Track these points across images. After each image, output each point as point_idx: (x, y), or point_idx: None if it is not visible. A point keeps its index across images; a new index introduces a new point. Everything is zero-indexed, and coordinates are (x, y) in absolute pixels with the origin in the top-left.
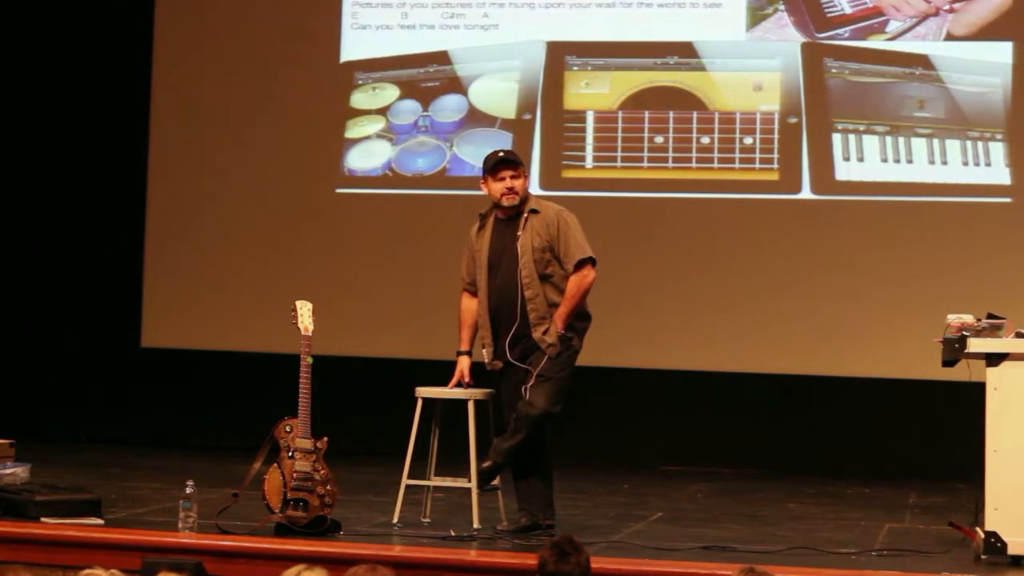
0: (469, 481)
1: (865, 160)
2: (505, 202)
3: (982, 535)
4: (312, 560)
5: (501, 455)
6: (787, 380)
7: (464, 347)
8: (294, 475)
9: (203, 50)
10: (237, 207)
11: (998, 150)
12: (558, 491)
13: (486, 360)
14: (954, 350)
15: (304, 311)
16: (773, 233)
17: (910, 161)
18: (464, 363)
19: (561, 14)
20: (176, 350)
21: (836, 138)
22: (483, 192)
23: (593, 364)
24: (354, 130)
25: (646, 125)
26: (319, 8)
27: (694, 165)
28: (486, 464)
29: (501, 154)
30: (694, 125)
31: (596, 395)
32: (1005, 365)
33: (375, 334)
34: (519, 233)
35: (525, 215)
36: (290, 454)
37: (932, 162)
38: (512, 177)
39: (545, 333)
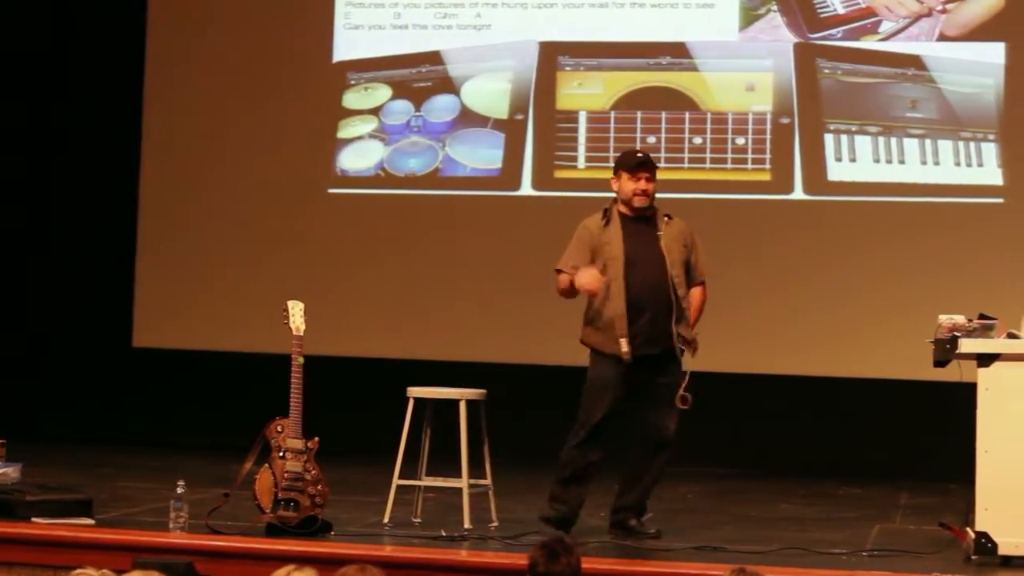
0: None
1: (857, 160)
2: (636, 203)
3: (973, 535)
4: (303, 560)
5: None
6: (779, 380)
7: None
8: (285, 475)
9: (196, 50)
10: (229, 207)
11: (990, 151)
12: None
13: (624, 351)
14: (945, 351)
15: (296, 311)
16: (765, 233)
17: (902, 162)
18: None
19: (554, 14)
20: (168, 350)
21: (828, 138)
22: (473, 192)
23: (585, 364)
24: (346, 130)
25: (638, 125)
26: (312, 8)
27: (686, 165)
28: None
29: (641, 155)
30: (686, 125)
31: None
32: (996, 366)
33: (367, 334)
34: (659, 233)
35: (664, 218)
36: (281, 454)
37: (924, 163)
38: (647, 180)
39: (684, 330)
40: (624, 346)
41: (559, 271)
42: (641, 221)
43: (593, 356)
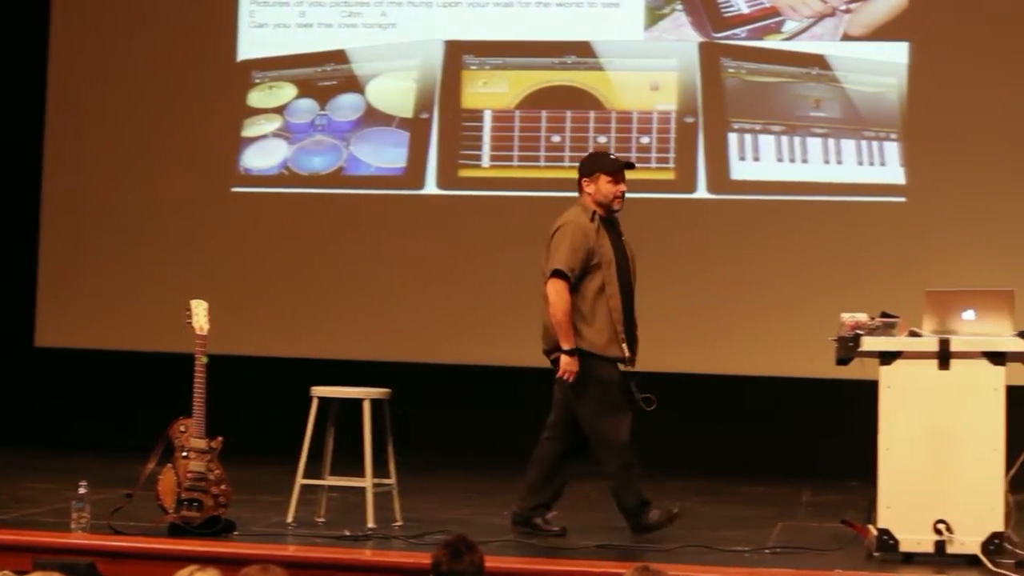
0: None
1: (761, 160)
2: (616, 206)
3: (874, 532)
4: (205, 560)
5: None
6: (682, 378)
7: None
8: (188, 475)
9: (99, 48)
10: (133, 206)
11: (893, 150)
12: (458, 490)
13: (628, 355)
14: (848, 348)
15: (199, 310)
16: (669, 232)
17: (805, 161)
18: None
19: (459, 13)
20: (70, 349)
21: (732, 138)
22: (377, 191)
23: (490, 363)
24: (251, 129)
25: (543, 124)
26: (216, 6)
27: None
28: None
29: (619, 158)
30: (591, 124)
31: (494, 394)
32: (898, 363)
33: (272, 333)
34: (624, 239)
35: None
36: (184, 454)
37: (827, 162)
38: (625, 183)
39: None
40: (626, 351)
41: (562, 274)
42: (611, 224)
43: (591, 360)
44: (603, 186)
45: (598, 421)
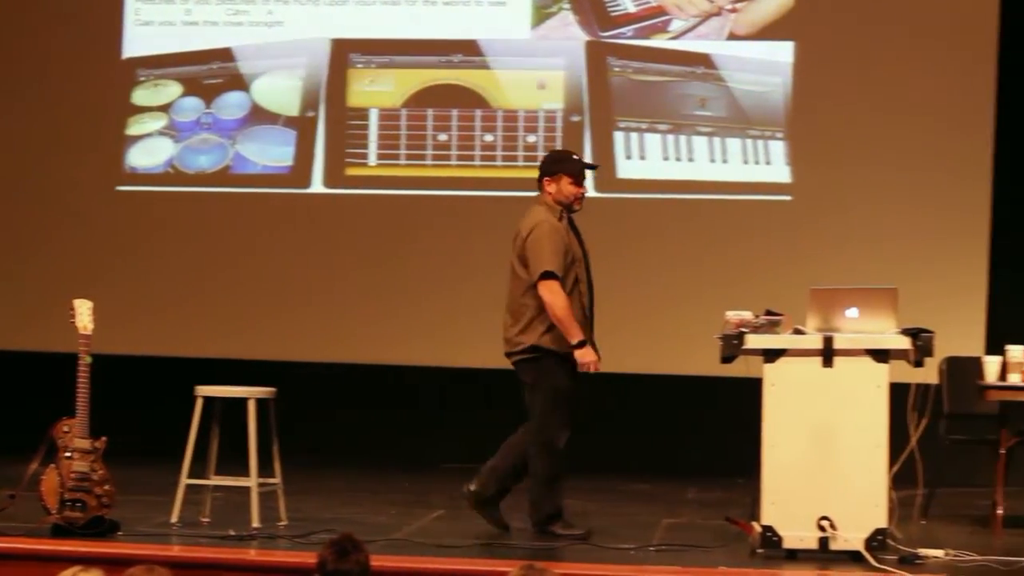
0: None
1: (647, 158)
2: (577, 207)
3: (758, 529)
4: (89, 561)
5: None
6: None
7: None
8: (72, 475)
9: None
10: (16, 204)
11: (778, 148)
12: (345, 490)
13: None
14: (732, 346)
15: (83, 310)
16: None
17: (691, 159)
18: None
19: (346, 11)
20: None
21: (618, 136)
22: (263, 190)
23: (378, 362)
24: (135, 127)
25: (430, 123)
26: (101, 4)
27: (478, 163)
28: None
29: (582, 160)
30: (477, 123)
31: (377, 393)
32: (782, 361)
33: (157, 332)
34: (582, 238)
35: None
36: (68, 454)
37: (713, 160)
38: (584, 184)
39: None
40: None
41: (554, 275)
42: (570, 224)
43: (552, 360)
44: (565, 187)
45: (547, 421)
